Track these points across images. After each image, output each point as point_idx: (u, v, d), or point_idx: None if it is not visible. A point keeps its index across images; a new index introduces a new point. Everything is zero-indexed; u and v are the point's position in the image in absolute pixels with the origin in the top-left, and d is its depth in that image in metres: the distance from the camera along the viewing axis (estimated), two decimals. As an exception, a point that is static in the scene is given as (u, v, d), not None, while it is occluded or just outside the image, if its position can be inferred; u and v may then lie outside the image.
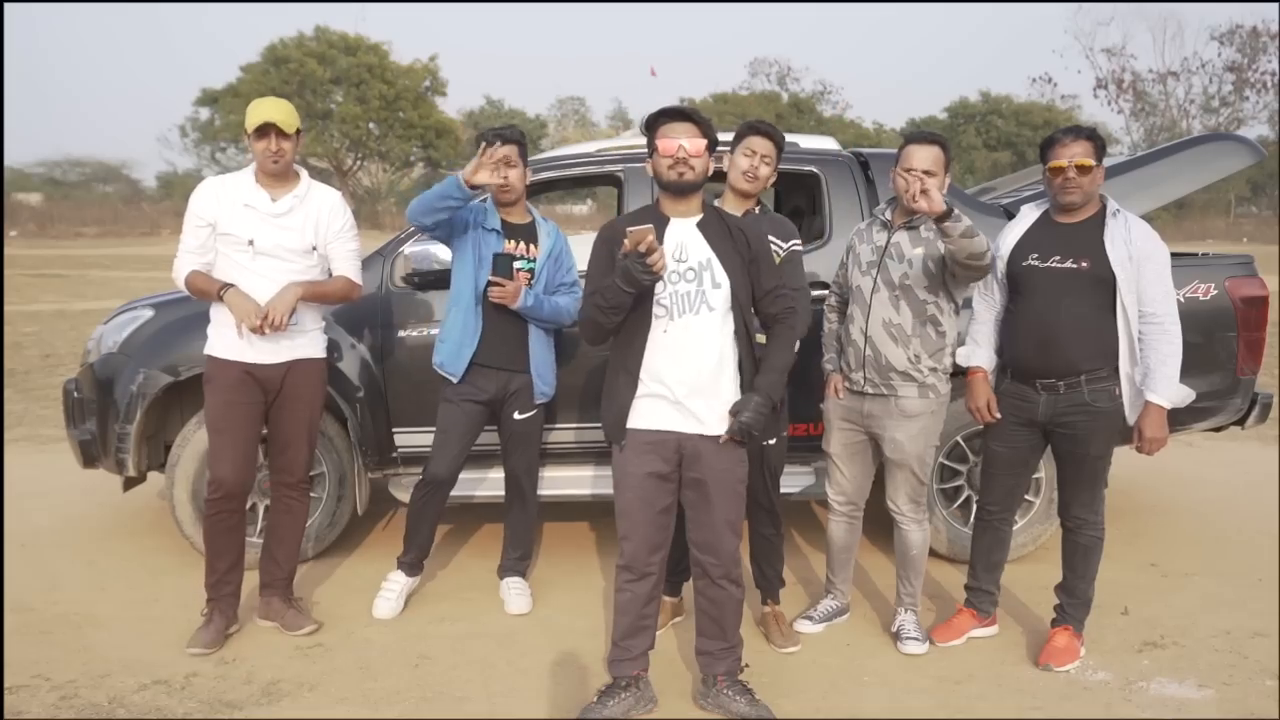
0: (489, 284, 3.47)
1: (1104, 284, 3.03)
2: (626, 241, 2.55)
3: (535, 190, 4.72)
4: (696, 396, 2.72)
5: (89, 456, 4.17)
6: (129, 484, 4.24)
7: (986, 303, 3.31)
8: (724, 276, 2.72)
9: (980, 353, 3.30)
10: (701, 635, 2.95)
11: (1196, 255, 4.62)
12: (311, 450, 3.53)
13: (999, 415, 3.24)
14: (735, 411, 2.71)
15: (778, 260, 3.29)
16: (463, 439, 3.59)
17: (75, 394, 4.22)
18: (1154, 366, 3.04)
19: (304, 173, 3.42)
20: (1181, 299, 4.04)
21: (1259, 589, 3.95)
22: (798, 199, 5.11)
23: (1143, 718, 2.95)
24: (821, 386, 3.50)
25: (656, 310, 2.73)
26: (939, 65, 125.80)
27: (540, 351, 3.64)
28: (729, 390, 2.76)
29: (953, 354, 3.31)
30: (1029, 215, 3.24)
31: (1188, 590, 3.95)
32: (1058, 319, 3.07)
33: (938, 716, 2.96)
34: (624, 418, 2.77)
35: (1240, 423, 4.35)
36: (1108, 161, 4.74)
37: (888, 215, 3.34)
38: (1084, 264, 3.04)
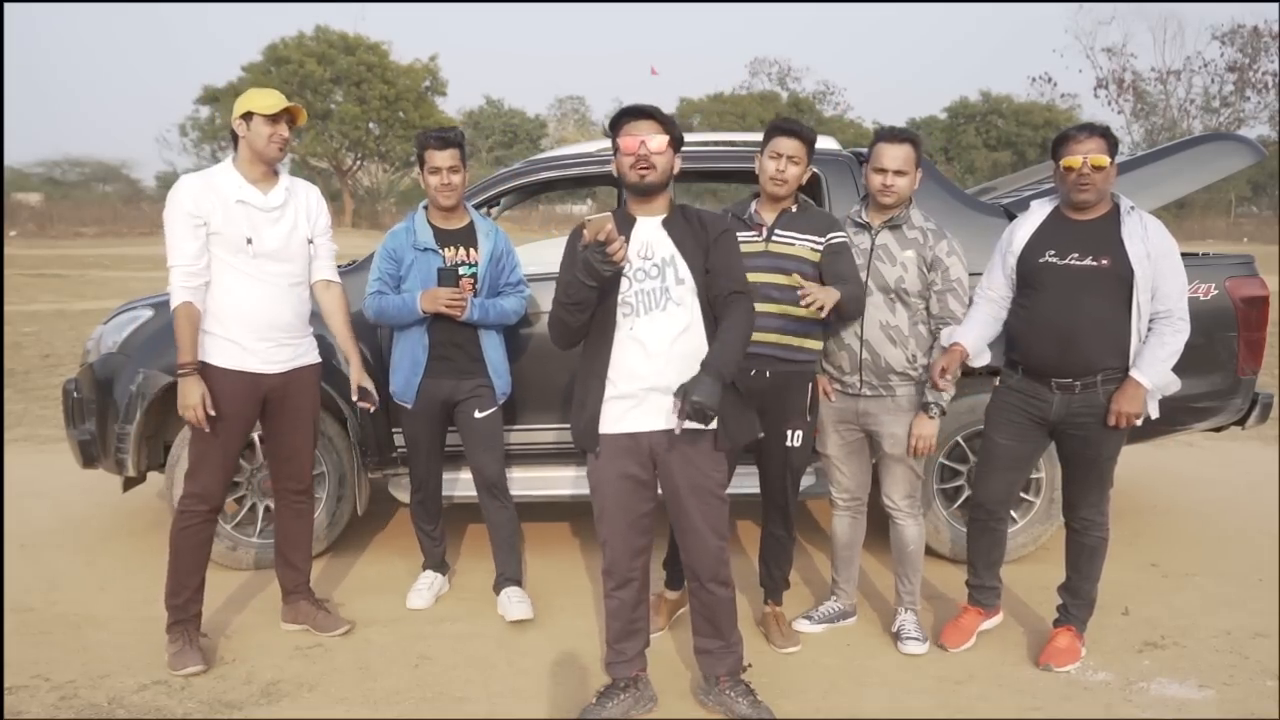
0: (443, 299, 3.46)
1: (1123, 282, 3.00)
2: (585, 232, 2.52)
3: (535, 190, 4.74)
4: (666, 390, 2.67)
5: (88, 456, 4.17)
6: (128, 484, 4.23)
7: (987, 297, 3.25)
8: (687, 272, 2.70)
9: (961, 334, 3.19)
10: (698, 634, 2.93)
11: (1197, 255, 4.61)
12: (313, 455, 3.52)
13: (948, 379, 3.12)
14: (684, 392, 2.51)
15: (817, 256, 3.20)
16: (430, 441, 3.68)
17: (75, 394, 4.22)
18: (1151, 349, 3.02)
19: (281, 167, 3.34)
20: (1182, 299, 4.06)
21: (1259, 589, 3.95)
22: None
23: (1143, 718, 2.95)
24: None
25: (622, 309, 2.70)
26: (939, 65, 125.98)
27: (495, 353, 3.63)
28: None
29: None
30: (1039, 210, 3.20)
31: (1188, 590, 3.95)
32: (1077, 317, 3.03)
33: (938, 716, 2.96)
34: (595, 424, 2.73)
35: (1240, 423, 4.35)
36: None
37: (864, 216, 3.33)
38: (1104, 261, 3.01)
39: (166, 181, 49.76)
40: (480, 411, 3.62)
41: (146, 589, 3.79)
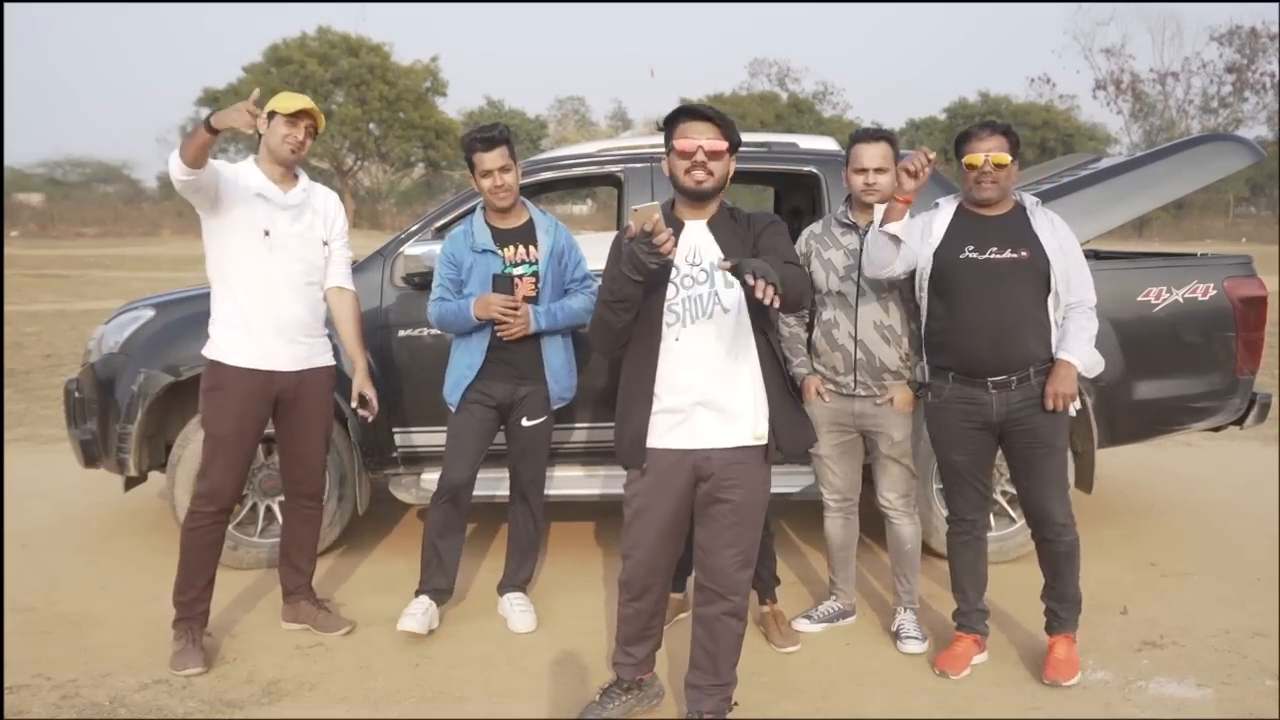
0: (495, 322, 3.39)
1: (1040, 274, 3.03)
2: (631, 223, 2.38)
3: (535, 190, 4.74)
4: (714, 404, 2.57)
5: (90, 456, 4.18)
6: (130, 484, 4.25)
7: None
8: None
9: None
10: (694, 668, 2.73)
11: (1195, 255, 4.63)
12: (325, 459, 3.51)
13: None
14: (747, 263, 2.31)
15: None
16: (475, 444, 3.50)
17: (76, 394, 4.22)
18: (1072, 333, 3.06)
19: (301, 171, 3.37)
20: (1181, 299, 4.08)
21: (1258, 589, 3.95)
22: (797, 199, 5.12)
23: (1142, 718, 2.95)
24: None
25: (668, 318, 2.57)
26: (938, 66, 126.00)
27: (556, 358, 3.52)
28: (749, 394, 2.59)
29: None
30: (947, 208, 3.19)
31: (1187, 590, 3.96)
32: (1003, 311, 3.03)
33: (938, 716, 2.96)
34: (642, 439, 2.61)
35: (1239, 423, 4.36)
36: (1106, 162, 4.74)
37: (849, 217, 3.33)
38: (1023, 253, 3.03)
39: (167, 182, 49.41)
40: (529, 420, 3.51)
41: (148, 588, 3.80)
